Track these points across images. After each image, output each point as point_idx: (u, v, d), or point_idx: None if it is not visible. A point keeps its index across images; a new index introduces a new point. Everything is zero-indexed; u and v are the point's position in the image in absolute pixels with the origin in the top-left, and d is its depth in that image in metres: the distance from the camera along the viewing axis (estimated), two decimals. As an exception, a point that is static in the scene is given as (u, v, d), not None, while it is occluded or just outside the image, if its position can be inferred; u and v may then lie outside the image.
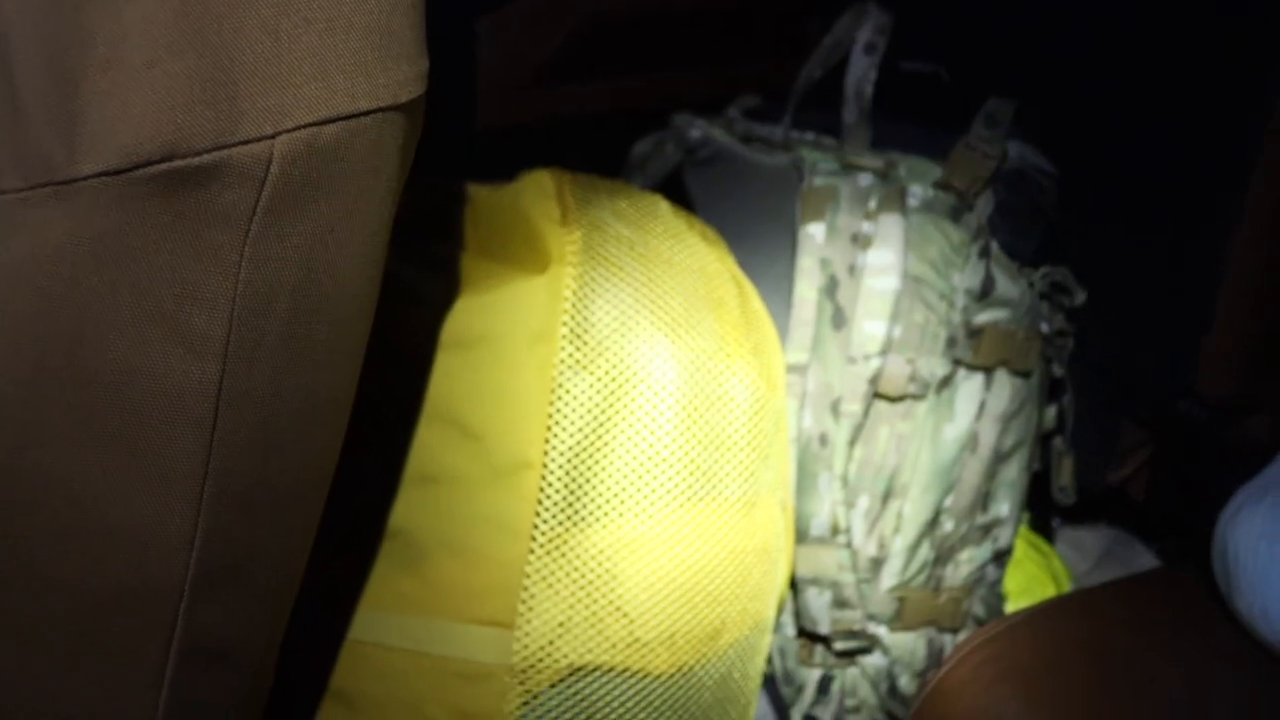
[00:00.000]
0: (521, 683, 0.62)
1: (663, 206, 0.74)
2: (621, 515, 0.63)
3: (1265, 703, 0.77)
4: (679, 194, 0.89)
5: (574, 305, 0.64)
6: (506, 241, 0.70)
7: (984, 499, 0.85)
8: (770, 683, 0.84)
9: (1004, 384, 0.83)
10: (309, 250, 0.43)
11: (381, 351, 0.62)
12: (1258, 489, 0.84)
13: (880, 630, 0.83)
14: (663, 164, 0.94)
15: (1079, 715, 0.74)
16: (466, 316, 0.65)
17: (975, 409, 0.82)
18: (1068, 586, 1.05)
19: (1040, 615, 0.83)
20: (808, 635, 0.83)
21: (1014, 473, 0.86)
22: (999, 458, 0.84)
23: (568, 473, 0.63)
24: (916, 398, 0.80)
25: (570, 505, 0.63)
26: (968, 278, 0.80)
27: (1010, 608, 0.94)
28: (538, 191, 0.72)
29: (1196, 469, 1.15)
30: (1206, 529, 0.89)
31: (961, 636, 0.85)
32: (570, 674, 0.63)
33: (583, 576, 0.62)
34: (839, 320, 0.78)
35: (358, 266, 0.46)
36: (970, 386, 0.82)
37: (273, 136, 0.40)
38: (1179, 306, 1.14)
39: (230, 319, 0.42)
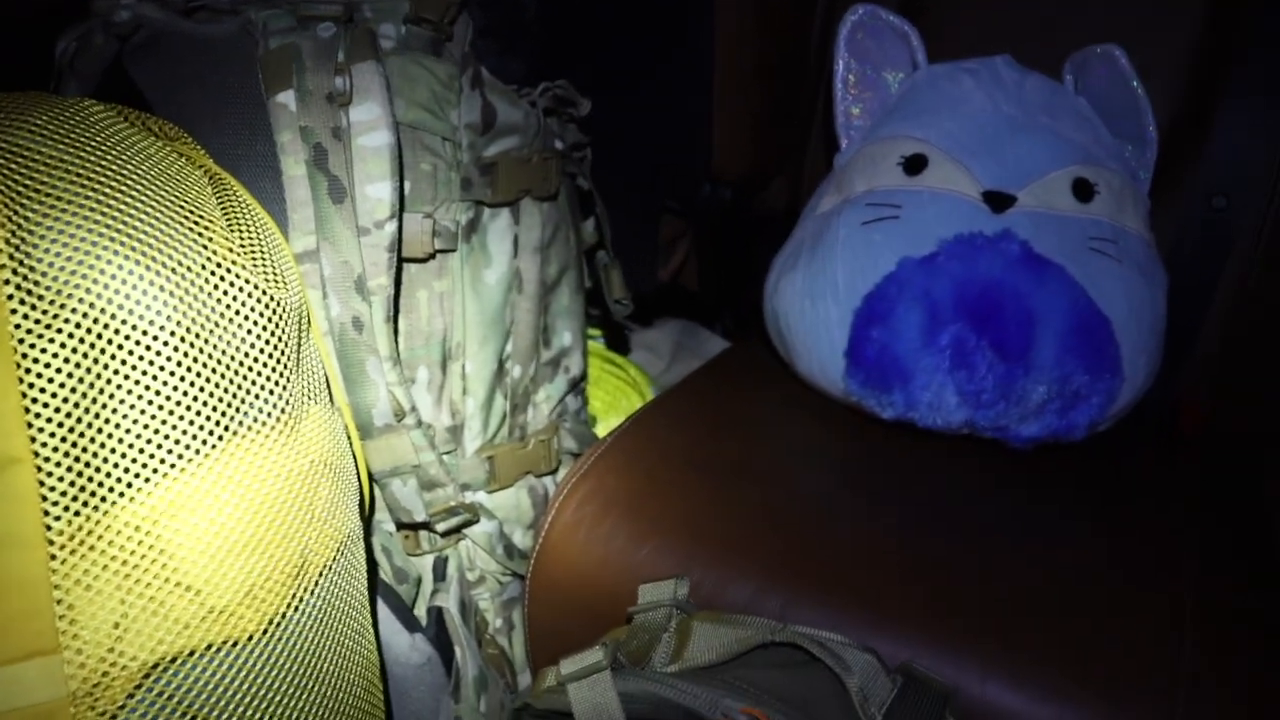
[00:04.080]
0: (91, 707, 0.53)
1: (95, 111, 0.62)
2: (148, 481, 0.54)
3: (851, 450, 0.81)
4: (126, 89, 0.76)
5: (11, 256, 0.52)
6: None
7: (544, 334, 0.82)
8: (387, 590, 0.78)
9: (532, 213, 0.79)
10: None
11: None
12: (790, 256, 0.87)
13: (479, 496, 0.79)
14: (96, 59, 0.79)
15: (683, 520, 0.74)
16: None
17: (510, 246, 0.78)
18: (650, 390, 1.06)
19: (624, 437, 0.83)
20: (407, 526, 0.78)
21: (566, 299, 0.84)
22: (547, 289, 0.81)
23: (67, 454, 0.52)
24: (446, 251, 0.74)
25: (82, 490, 0.52)
26: (466, 112, 0.74)
27: (602, 429, 0.94)
28: (-79, 127, 0.57)
29: (734, 247, 1.20)
30: (757, 300, 0.92)
31: (562, 475, 0.84)
32: (145, 676, 0.54)
33: (124, 564, 0.53)
34: (338, 192, 0.69)
35: None
36: (499, 225, 0.77)
37: None
38: (685, 96, 1.16)
39: None
